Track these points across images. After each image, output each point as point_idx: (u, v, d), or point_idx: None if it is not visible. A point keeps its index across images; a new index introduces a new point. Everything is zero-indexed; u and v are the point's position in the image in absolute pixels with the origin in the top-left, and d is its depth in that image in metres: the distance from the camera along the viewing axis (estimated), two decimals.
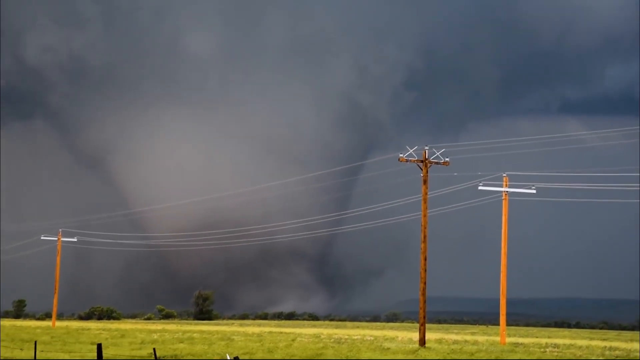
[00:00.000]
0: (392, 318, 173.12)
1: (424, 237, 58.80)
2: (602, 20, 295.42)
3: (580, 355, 53.09)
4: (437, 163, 59.87)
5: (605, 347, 65.58)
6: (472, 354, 51.93)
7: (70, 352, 52.88)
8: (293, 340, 67.46)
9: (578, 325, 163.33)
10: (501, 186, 63.44)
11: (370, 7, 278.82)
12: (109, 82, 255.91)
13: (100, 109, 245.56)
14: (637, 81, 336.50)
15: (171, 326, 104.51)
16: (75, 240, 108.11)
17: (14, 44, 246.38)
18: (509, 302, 65.13)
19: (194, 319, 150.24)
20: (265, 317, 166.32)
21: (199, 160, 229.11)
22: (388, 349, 56.45)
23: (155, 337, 71.56)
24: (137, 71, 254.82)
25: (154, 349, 30.25)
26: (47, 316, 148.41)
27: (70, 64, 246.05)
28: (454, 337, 79.70)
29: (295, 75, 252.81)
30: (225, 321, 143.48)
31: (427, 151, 59.67)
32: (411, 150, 59.46)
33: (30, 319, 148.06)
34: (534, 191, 63.41)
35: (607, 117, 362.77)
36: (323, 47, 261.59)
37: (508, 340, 71.16)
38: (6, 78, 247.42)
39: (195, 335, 75.74)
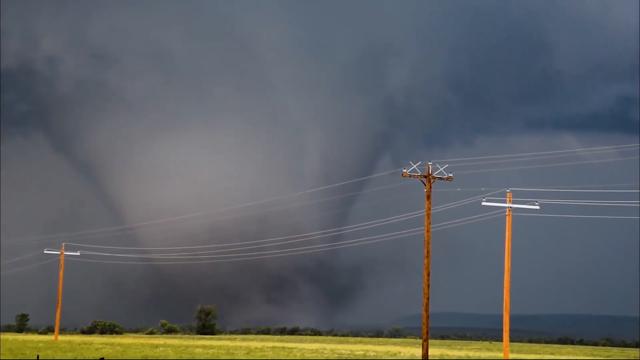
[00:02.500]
0: (395, 333, 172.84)
1: (427, 252, 58.75)
2: (625, 44, 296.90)
3: None
4: (440, 178, 59.84)
5: None
6: None
7: None
8: (296, 356, 67.36)
9: (581, 342, 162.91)
10: (505, 202, 63.39)
11: (413, 19, 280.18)
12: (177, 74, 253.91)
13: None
14: (628, 99, 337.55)
15: (173, 341, 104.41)
16: (79, 254, 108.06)
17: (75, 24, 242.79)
18: (512, 318, 65.04)
19: (196, 334, 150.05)
20: (267, 332, 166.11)
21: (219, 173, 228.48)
22: None
23: (158, 351, 71.47)
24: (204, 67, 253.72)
25: None
26: (49, 330, 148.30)
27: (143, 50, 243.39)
28: (457, 353, 79.56)
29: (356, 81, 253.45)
30: (227, 336, 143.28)
31: (430, 167, 59.64)
32: (414, 166, 59.43)
33: (33, 333, 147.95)
34: (538, 207, 63.33)
35: (601, 134, 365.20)
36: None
37: (511, 356, 71.03)
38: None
39: (197, 350, 75.66)
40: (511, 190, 63.57)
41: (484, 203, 62.99)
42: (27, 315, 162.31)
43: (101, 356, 58.77)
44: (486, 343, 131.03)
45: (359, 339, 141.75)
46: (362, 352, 73.97)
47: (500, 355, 72.62)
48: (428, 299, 58.29)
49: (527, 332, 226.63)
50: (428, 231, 58.98)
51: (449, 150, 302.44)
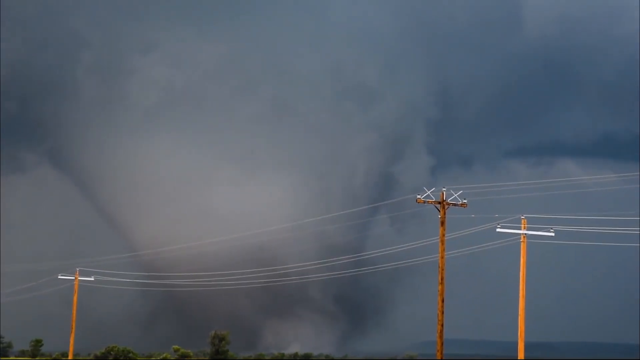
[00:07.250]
0: None
1: (442, 278, 58.58)
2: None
3: None
4: (454, 204, 59.75)
5: None
6: None
7: None
8: None
9: None
10: (519, 228, 63.17)
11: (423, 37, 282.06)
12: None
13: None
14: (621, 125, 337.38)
15: None
16: (93, 279, 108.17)
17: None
18: (526, 346, 64.71)
19: (210, 359, 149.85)
20: (281, 357, 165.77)
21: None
22: None
23: None
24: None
25: None
26: (63, 356, 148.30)
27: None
28: None
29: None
30: None
31: (444, 193, 59.57)
32: (429, 192, 59.38)
33: (47, 359, 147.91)
34: (553, 234, 63.08)
35: (599, 160, 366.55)
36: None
37: None
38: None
39: None
40: (525, 217, 63.37)
41: (498, 229, 62.76)
42: (42, 340, 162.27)
43: None
44: None
45: None
46: None
47: None
48: (442, 325, 58.08)
49: None
50: (442, 257, 58.82)
51: (448, 174, 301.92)
